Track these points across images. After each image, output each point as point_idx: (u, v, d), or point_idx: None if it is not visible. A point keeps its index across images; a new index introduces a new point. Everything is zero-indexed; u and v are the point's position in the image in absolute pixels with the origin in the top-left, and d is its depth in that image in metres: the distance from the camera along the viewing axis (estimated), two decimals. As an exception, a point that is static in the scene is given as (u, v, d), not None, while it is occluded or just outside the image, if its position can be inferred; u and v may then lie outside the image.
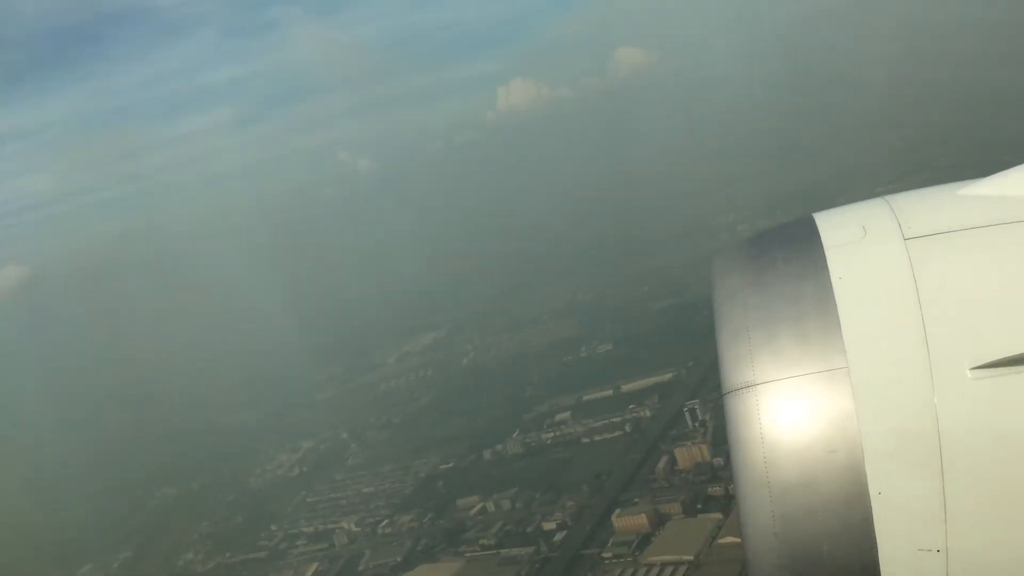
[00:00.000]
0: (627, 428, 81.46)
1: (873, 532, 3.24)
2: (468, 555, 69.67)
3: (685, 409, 76.55)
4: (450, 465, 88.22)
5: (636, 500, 67.37)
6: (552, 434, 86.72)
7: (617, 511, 66.17)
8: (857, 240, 3.77)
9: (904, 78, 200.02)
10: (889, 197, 4.04)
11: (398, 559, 72.66)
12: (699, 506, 63.35)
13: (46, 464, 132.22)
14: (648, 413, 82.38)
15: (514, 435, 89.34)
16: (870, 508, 3.24)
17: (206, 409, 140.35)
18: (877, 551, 3.24)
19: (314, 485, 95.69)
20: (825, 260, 3.71)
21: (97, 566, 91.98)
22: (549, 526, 69.22)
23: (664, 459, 71.28)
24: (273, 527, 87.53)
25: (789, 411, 3.43)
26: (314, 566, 76.64)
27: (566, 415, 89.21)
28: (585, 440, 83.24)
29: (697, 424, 74.05)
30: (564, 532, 67.76)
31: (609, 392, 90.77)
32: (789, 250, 3.90)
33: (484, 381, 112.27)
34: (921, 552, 3.20)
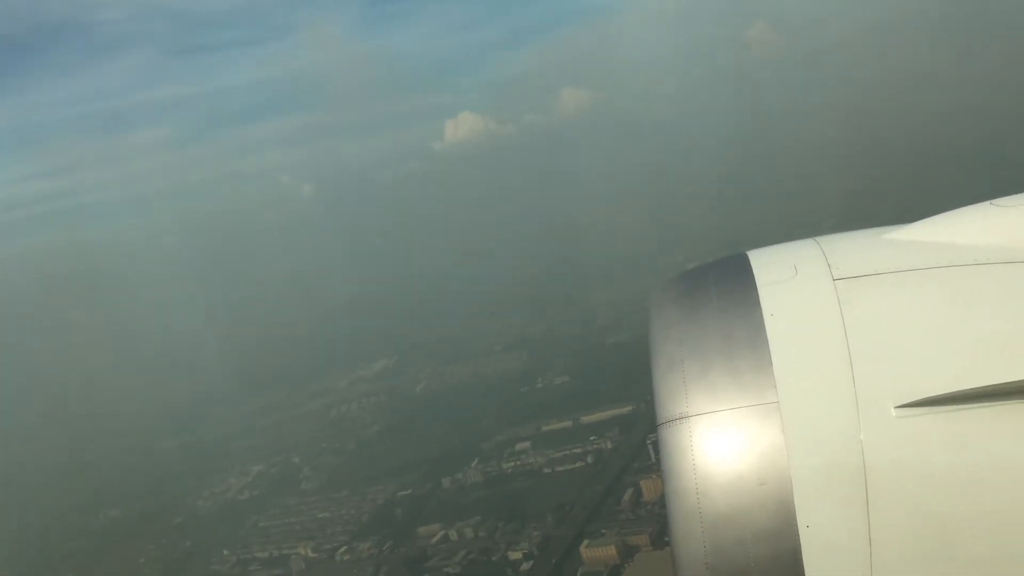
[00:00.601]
0: (589, 459, 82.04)
1: (801, 564, 3.33)
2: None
3: (648, 442, 77.30)
4: (408, 492, 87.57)
5: (603, 531, 67.75)
6: (512, 463, 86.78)
7: (585, 542, 66.49)
8: (788, 279, 3.88)
9: (847, 125, 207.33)
10: (819, 238, 4.18)
11: (357, 588, 71.91)
12: (667, 538, 63.01)
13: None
14: (610, 445, 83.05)
15: (473, 464, 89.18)
16: (798, 541, 3.33)
17: (145, 432, 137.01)
18: None
19: (266, 510, 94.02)
20: (758, 297, 3.80)
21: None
22: (515, 556, 69.18)
23: (630, 491, 71.93)
24: (225, 552, 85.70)
25: (721, 443, 3.51)
26: (271, 592, 75.39)
27: (526, 445, 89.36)
28: (547, 470, 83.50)
29: (661, 457, 74.64)
30: (531, 562, 67.81)
31: (568, 423, 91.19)
32: (723, 286, 3.99)
33: (438, 409, 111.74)
34: None
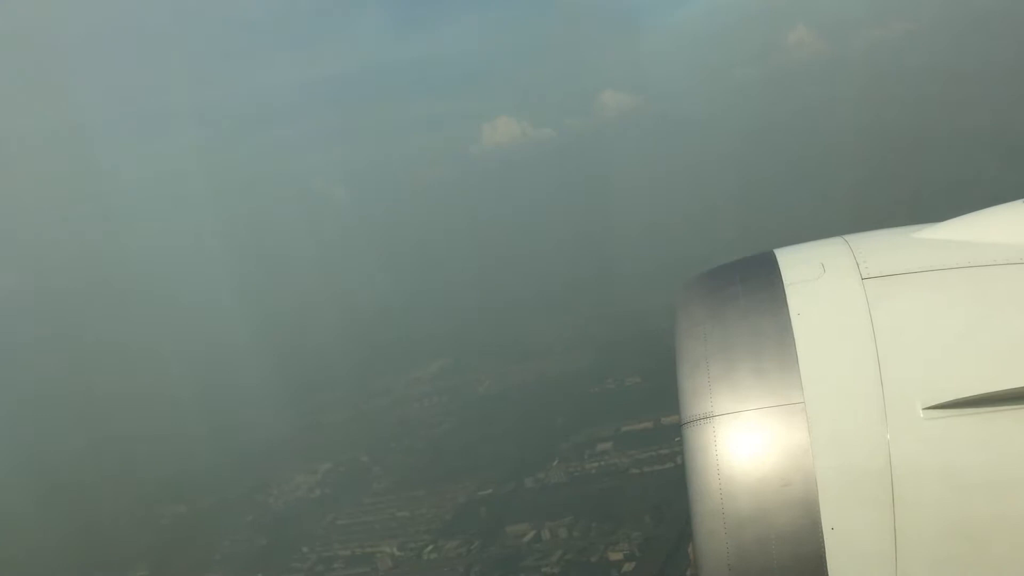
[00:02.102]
0: (679, 460, 79.92)
1: (825, 567, 3.26)
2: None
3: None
4: (489, 492, 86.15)
5: (708, 532, 65.89)
6: (596, 464, 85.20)
7: (691, 543, 64.60)
8: (816, 277, 3.81)
9: (883, 128, 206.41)
10: (848, 236, 4.09)
11: (451, 587, 70.51)
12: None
13: (34, 479, 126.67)
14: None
15: (553, 464, 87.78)
16: (823, 543, 3.27)
17: (202, 429, 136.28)
18: None
19: (340, 508, 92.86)
20: (784, 296, 3.74)
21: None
22: (616, 556, 67.47)
23: (730, 491, 70.14)
24: (304, 549, 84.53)
25: (746, 443, 3.46)
26: (359, 589, 74.07)
27: (607, 445, 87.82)
28: (634, 471, 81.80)
29: (758, 458, 73.06)
30: (633, 563, 66.13)
31: (649, 424, 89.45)
32: (749, 284, 3.93)
33: (506, 410, 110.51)
34: None
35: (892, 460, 3.26)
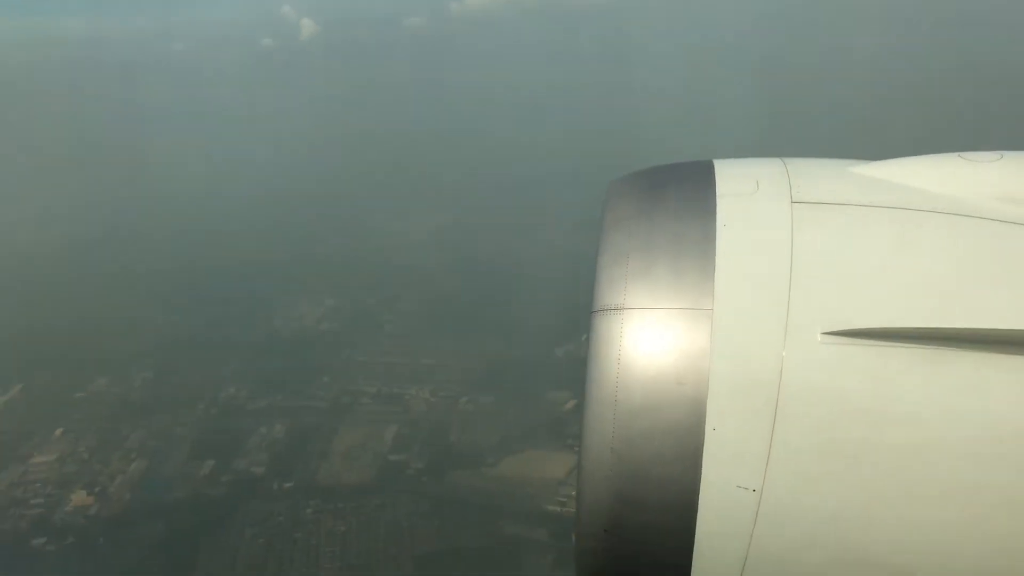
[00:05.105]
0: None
1: (700, 463, 3.41)
2: (578, 449, 67.11)
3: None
4: (518, 353, 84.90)
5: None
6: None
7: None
8: (749, 193, 3.88)
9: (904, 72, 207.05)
10: (787, 159, 4.15)
11: (495, 439, 69.53)
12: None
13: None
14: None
15: (583, 338, 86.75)
16: (702, 441, 3.42)
17: (188, 250, 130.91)
18: (700, 481, 3.41)
19: (356, 345, 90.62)
20: (715, 206, 3.81)
21: (113, 380, 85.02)
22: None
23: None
24: (325, 379, 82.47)
25: (649, 339, 3.56)
26: (394, 428, 72.52)
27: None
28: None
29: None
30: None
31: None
32: (683, 189, 3.99)
33: (516, 277, 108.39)
34: (739, 488, 3.41)
35: (783, 375, 3.35)
